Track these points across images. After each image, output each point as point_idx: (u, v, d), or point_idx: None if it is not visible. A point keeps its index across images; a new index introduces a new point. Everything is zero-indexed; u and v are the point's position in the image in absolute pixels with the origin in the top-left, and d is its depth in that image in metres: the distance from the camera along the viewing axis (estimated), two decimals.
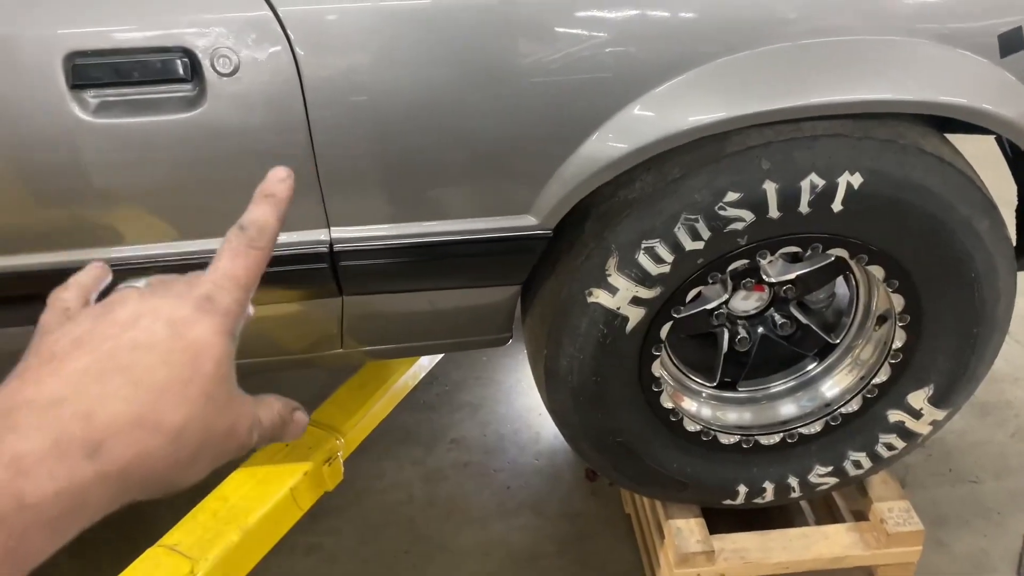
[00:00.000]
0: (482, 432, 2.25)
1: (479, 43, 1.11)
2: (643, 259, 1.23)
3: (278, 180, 0.48)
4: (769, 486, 1.55)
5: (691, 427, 1.48)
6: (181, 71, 1.05)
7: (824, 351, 1.54)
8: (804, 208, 1.21)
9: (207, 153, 1.10)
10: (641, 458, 1.47)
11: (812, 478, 1.55)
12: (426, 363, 2.00)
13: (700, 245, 1.22)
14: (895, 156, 1.20)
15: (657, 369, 1.38)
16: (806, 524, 1.78)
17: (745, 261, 1.28)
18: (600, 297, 1.27)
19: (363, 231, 1.20)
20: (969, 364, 1.42)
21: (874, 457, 1.53)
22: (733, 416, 1.55)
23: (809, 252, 1.30)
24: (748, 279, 1.38)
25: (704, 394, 1.55)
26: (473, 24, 1.10)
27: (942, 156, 1.23)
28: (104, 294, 0.47)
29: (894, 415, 1.49)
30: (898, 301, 1.36)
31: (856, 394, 1.49)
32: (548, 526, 1.96)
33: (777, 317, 1.49)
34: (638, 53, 1.12)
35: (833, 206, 1.21)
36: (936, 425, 1.51)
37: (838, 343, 1.52)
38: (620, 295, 1.26)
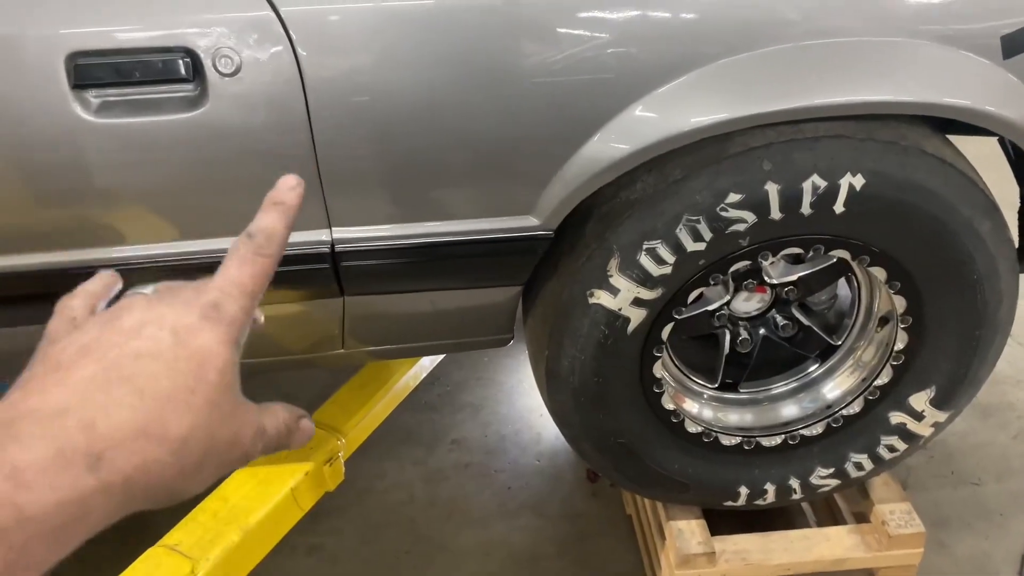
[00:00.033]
0: (483, 433, 2.25)
1: (481, 44, 1.11)
2: (645, 260, 1.23)
3: (288, 188, 0.48)
4: (770, 488, 1.55)
5: (692, 428, 1.47)
6: (183, 71, 1.05)
7: (826, 353, 1.54)
8: (806, 209, 1.21)
9: (209, 153, 1.10)
10: (642, 459, 1.47)
11: (813, 480, 1.55)
12: (427, 363, 2.00)
13: (702, 246, 1.22)
14: (897, 157, 1.20)
15: (658, 370, 1.38)
16: (807, 526, 1.78)
17: (747, 262, 1.27)
18: (601, 298, 1.26)
19: (365, 231, 1.20)
20: (971, 366, 1.42)
21: (876, 459, 1.53)
22: (734, 417, 1.55)
23: (811, 253, 1.30)
24: (750, 280, 1.38)
25: (705, 395, 1.55)
26: (475, 25, 1.10)
27: (944, 158, 1.22)
28: (114, 300, 0.47)
29: (896, 417, 1.49)
30: (900, 303, 1.36)
31: (858, 396, 1.49)
32: (549, 527, 1.96)
33: (779, 318, 1.49)
34: (640, 54, 1.12)
35: (835, 207, 1.21)
36: (938, 427, 1.50)
37: (840, 345, 1.52)
38: (621, 296, 1.26)
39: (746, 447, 1.51)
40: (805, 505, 1.86)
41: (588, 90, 1.13)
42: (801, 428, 1.52)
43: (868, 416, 1.50)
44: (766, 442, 1.52)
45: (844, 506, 1.70)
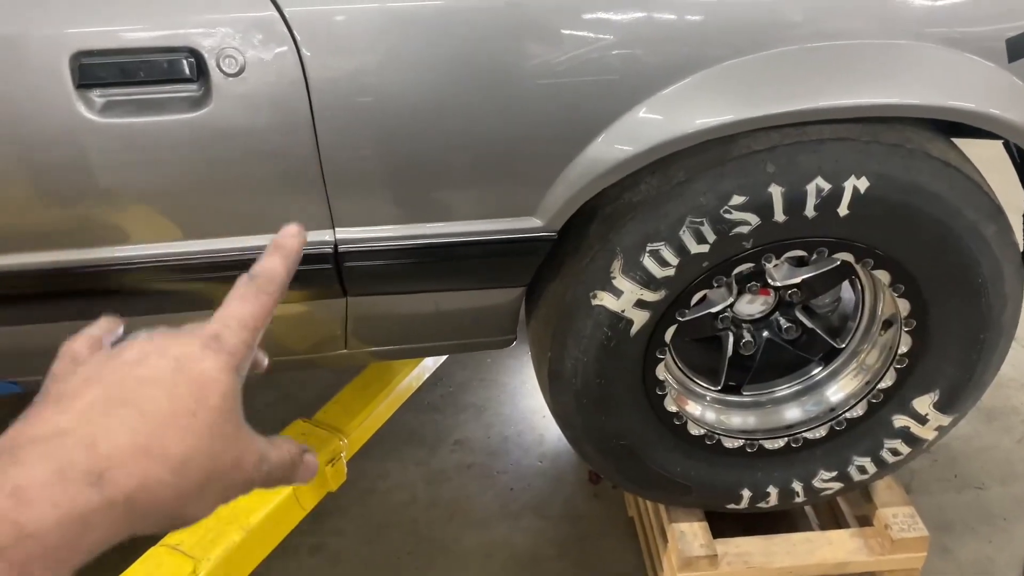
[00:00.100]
0: (486, 434, 2.25)
1: (485, 45, 1.11)
2: (648, 262, 1.23)
3: (290, 235, 0.51)
4: (773, 491, 1.54)
5: (695, 431, 1.47)
6: (187, 71, 1.05)
7: (829, 356, 1.54)
8: (810, 212, 1.21)
9: (212, 153, 1.10)
10: (644, 461, 1.47)
11: (816, 483, 1.55)
12: (430, 364, 2.01)
13: (705, 248, 1.22)
14: (902, 160, 1.19)
15: (661, 372, 1.37)
16: (810, 529, 1.77)
17: (750, 265, 1.27)
18: (604, 300, 1.26)
19: (368, 232, 1.20)
20: (975, 369, 1.41)
21: (879, 462, 1.53)
22: (737, 420, 1.55)
23: (815, 256, 1.29)
24: (753, 283, 1.38)
25: (708, 398, 1.55)
26: (480, 26, 1.10)
27: (949, 160, 1.22)
28: (116, 344, 0.48)
29: (899, 420, 1.48)
30: (904, 306, 1.35)
31: (861, 399, 1.49)
32: (551, 528, 1.95)
33: (782, 321, 1.49)
34: (644, 56, 1.12)
35: (839, 210, 1.21)
36: (942, 431, 1.50)
37: (843, 348, 1.51)
38: (624, 298, 1.26)
39: (749, 450, 1.51)
40: (808, 508, 1.85)
41: (592, 92, 1.13)
42: (804, 431, 1.52)
43: (871, 419, 1.49)
44: (769, 445, 1.51)
45: (847, 509, 1.70)
